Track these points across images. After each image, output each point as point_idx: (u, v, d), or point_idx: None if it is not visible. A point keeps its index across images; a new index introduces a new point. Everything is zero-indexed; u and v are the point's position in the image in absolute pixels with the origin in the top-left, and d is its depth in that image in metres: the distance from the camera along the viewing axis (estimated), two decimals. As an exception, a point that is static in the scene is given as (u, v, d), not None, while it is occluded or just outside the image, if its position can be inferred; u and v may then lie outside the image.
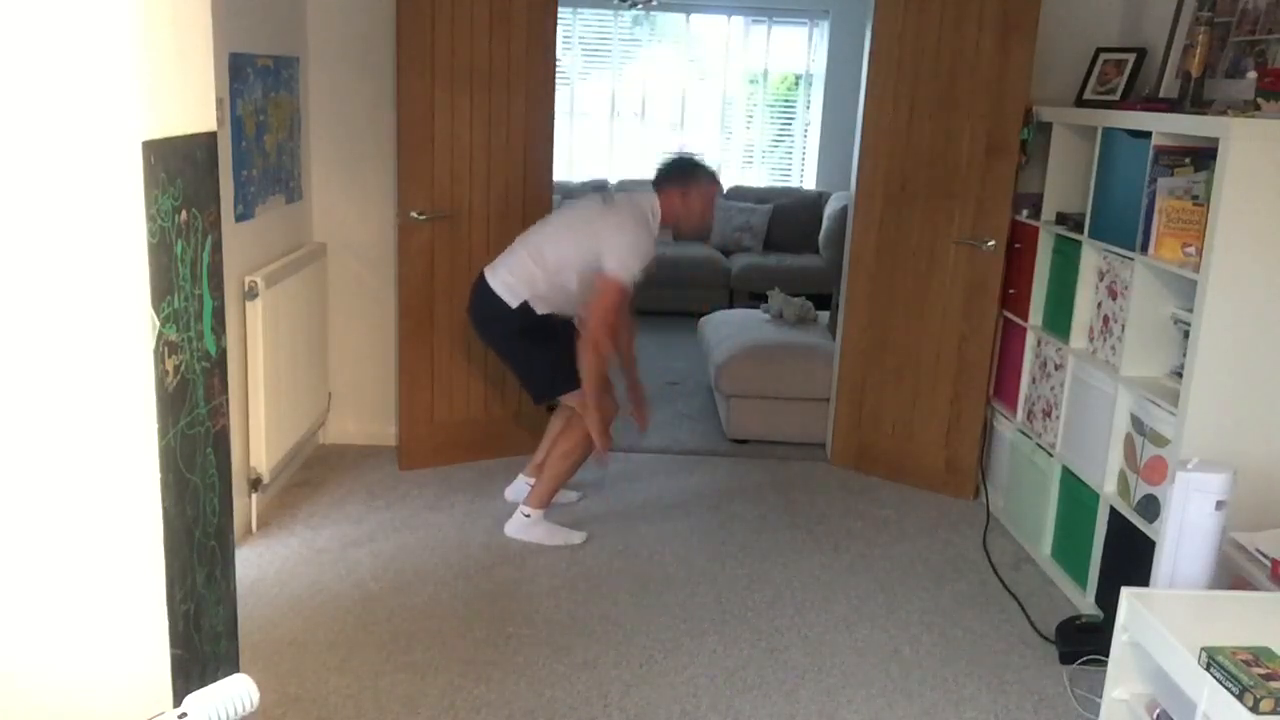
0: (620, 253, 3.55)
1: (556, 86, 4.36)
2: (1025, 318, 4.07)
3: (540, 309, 3.68)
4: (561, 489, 3.93)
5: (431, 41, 4.06)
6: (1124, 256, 3.35)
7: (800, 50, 8.50)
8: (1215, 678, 1.99)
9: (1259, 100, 3.07)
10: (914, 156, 4.34)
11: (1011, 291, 4.21)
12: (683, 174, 3.73)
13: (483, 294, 3.70)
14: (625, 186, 4.46)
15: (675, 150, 4.00)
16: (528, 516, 3.83)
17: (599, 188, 7.35)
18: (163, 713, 1.44)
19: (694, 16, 8.37)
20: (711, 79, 8.52)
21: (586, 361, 3.63)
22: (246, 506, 3.73)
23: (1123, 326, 3.34)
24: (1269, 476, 2.90)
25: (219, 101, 3.40)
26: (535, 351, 3.76)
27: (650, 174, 3.85)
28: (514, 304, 3.65)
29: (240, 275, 3.60)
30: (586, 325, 3.63)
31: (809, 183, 8.63)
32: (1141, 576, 2.94)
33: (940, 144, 4.27)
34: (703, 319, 5.84)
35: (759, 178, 8.69)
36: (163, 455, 1.61)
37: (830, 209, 7.71)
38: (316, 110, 4.38)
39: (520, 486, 4.08)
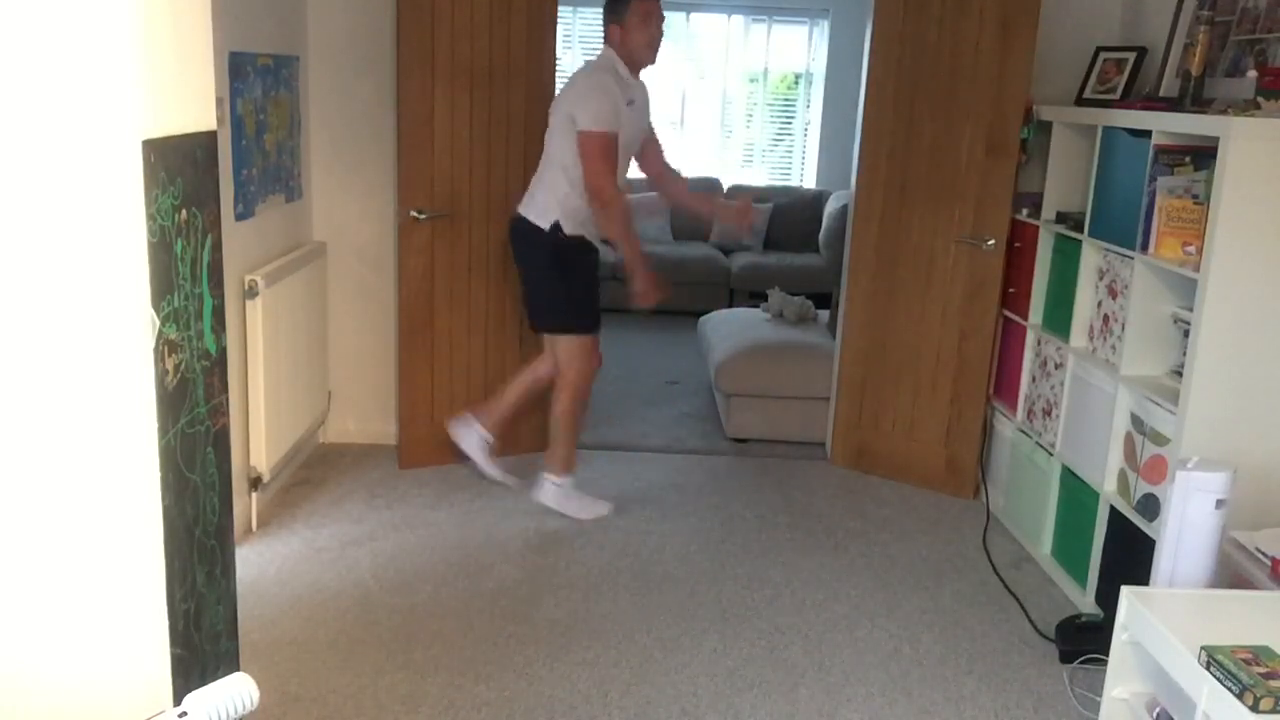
0: (587, 107, 3.66)
1: (556, 86, 4.36)
2: (1025, 317, 4.07)
3: (569, 228, 3.79)
4: (595, 500, 4.04)
5: (432, 41, 4.06)
6: (1124, 255, 3.35)
7: (800, 49, 8.50)
8: (1215, 676, 1.99)
9: (1259, 99, 3.07)
10: (914, 156, 4.34)
11: (1011, 290, 4.21)
12: (611, 9, 3.75)
13: (518, 224, 3.89)
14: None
15: None
16: (558, 485, 3.95)
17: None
18: (163, 712, 1.44)
19: (694, 15, 8.37)
20: (711, 78, 8.52)
21: (603, 220, 3.75)
22: (246, 505, 3.73)
23: (1123, 325, 3.34)
24: (1269, 476, 2.90)
25: (219, 101, 3.40)
26: (557, 283, 3.87)
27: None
28: (545, 225, 3.80)
29: (240, 274, 3.61)
30: (588, 189, 3.71)
31: (809, 182, 8.63)
32: (1141, 575, 2.95)
33: (940, 143, 4.27)
34: (703, 318, 5.84)
35: (759, 177, 8.70)
36: (163, 454, 1.61)
37: (830, 208, 7.71)
38: (316, 110, 4.38)
39: (471, 430, 4.12)
